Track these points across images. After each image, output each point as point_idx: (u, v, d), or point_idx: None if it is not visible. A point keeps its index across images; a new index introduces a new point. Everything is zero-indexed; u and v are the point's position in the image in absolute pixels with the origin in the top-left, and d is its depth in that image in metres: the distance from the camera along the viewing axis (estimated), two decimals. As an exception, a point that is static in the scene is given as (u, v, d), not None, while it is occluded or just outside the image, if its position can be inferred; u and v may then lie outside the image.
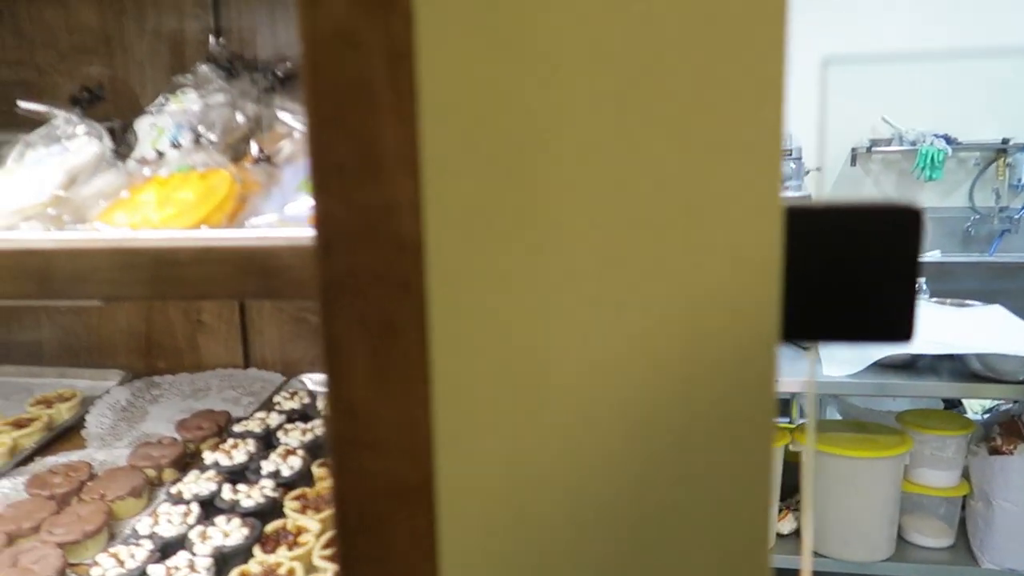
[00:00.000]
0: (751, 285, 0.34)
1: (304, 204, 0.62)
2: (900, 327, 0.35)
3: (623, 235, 0.33)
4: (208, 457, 1.05)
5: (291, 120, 0.76)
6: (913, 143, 4.07)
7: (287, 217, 0.61)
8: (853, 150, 4.19)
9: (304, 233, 0.60)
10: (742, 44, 0.32)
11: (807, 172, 3.68)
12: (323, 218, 0.37)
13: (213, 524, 0.90)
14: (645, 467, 0.34)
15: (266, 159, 0.76)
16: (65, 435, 1.21)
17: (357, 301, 0.37)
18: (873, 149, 4.17)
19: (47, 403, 1.26)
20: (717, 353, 0.35)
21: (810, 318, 0.36)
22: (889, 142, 4.14)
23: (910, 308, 0.34)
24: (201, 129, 0.75)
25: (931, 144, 4.02)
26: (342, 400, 0.38)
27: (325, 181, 0.36)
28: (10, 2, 1.40)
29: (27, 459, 1.13)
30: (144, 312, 1.47)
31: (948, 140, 4.03)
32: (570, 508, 0.36)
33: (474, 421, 0.36)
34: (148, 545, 0.87)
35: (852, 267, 0.35)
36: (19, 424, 1.19)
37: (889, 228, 0.34)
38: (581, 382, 0.35)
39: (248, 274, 0.56)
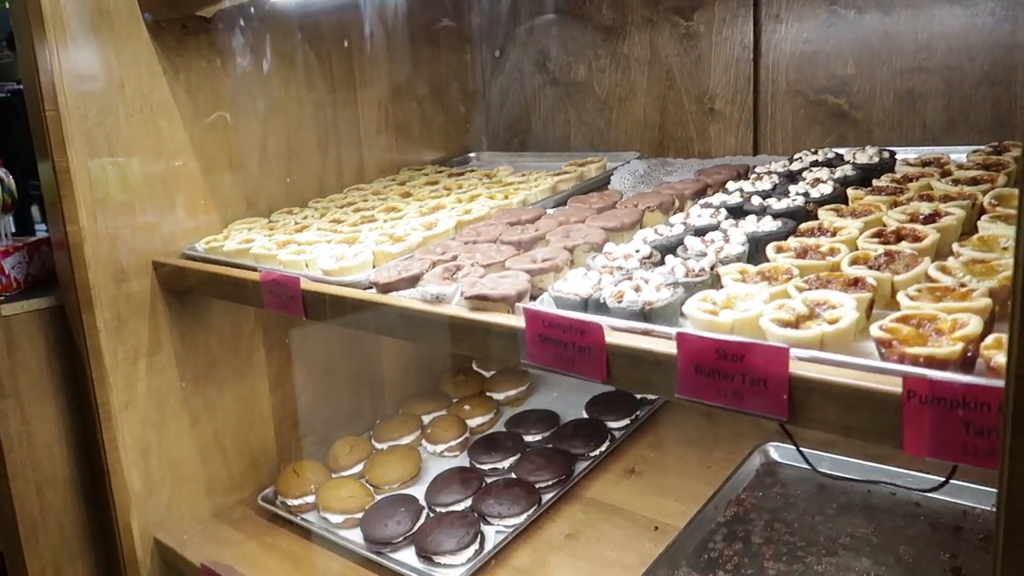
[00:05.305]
0: None
1: None
2: None
3: None
4: (731, 185, 1.03)
5: None
6: None
7: None
8: None
9: None
10: None
11: None
12: None
13: (744, 219, 0.88)
14: None
15: None
16: (592, 189, 1.33)
17: None
18: None
19: (579, 164, 1.40)
20: None
21: None
22: None
23: None
24: None
25: None
26: None
27: None
28: None
29: (563, 201, 1.27)
30: (659, 104, 1.52)
31: None
32: None
33: None
34: (680, 229, 0.89)
35: None
36: (557, 175, 1.34)
37: None
38: None
39: None
